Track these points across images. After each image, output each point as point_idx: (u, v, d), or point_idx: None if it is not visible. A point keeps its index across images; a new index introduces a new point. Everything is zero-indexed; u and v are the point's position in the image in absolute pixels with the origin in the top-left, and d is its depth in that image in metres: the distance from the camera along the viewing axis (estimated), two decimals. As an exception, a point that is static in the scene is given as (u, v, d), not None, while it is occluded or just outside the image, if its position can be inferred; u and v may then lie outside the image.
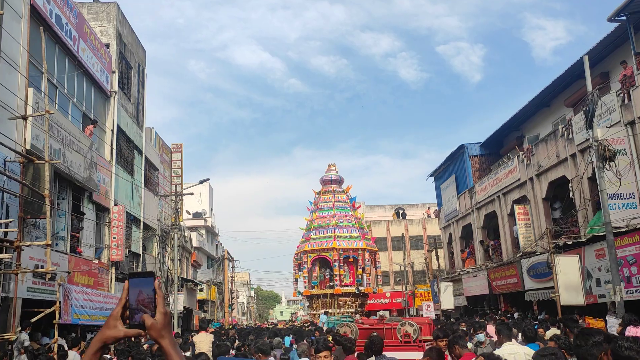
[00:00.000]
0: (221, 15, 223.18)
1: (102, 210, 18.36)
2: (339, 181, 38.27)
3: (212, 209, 64.32)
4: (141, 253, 21.56)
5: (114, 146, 19.15)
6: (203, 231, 53.70)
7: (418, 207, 57.02)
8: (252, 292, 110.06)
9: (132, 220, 21.19)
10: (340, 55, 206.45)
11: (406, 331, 9.69)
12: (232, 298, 52.19)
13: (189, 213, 54.99)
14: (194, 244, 47.09)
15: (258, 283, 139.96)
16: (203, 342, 7.02)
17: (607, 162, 11.26)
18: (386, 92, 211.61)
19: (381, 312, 13.14)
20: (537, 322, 15.47)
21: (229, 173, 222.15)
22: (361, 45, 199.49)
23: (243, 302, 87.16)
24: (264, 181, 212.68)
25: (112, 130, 19.24)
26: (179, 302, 21.70)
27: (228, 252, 42.28)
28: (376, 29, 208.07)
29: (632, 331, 7.07)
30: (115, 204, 18.83)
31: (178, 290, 23.23)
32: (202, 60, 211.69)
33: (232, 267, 52.46)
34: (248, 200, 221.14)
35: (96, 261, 17.23)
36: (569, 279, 14.06)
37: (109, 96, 19.24)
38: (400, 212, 54.60)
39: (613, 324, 10.72)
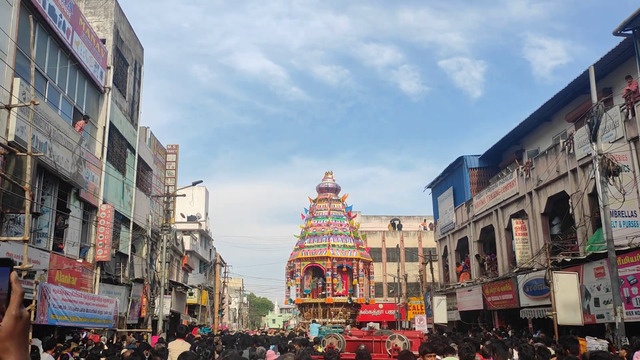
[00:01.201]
0: (226, 21, 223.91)
1: (89, 209, 17.88)
2: (336, 189, 37.78)
3: (207, 213, 63.76)
4: (129, 254, 21.03)
5: (106, 143, 18.71)
6: (197, 235, 53.11)
7: (414, 219, 56.56)
8: (244, 299, 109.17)
9: (121, 220, 20.70)
10: (342, 65, 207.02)
11: (396, 345, 9.22)
12: (223, 304, 51.48)
13: (183, 216, 54.43)
14: (187, 248, 46.51)
15: (252, 290, 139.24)
16: (177, 350, 6.55)
17: (611, 177, 10.83)
18: (387, 103, 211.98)
19: (371, 324, 12.63)
20: (532, 341, 14.99)
21: (228, 179, 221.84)
22: (364, 57, 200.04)
23: (235, 309, 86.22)
24: (263, 189, 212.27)
25: (105, 127, 18.80)
26: (165, 305, 21.14)
27: (220, 257, 41.71)
28: (380, 40, 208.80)
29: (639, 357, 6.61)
30: (104, 203, 18.35)
31: (166, 294, 22.68)
32: (206, 65, 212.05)
33: (225, 272, 51.87)
34: (245, 207, 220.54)
35: (80, 260, 16.73)
36: (567, 297, 13.59)
37: (102, 92, 18.83)
38: (396, 223, 54.15)
39: (592, 346, 10.32)
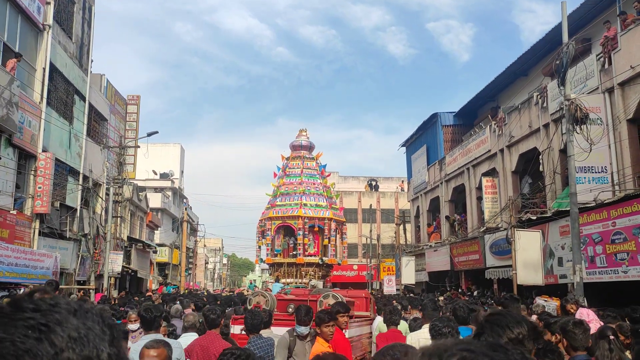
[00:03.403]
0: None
1: (26, 158, 16.51)
2: (310, 147, 36.33)
3: (182, 172, 62.39)
4: (78, 207, 19.80)
5: (45, 86, 17.19)
6: (169, 193, 51.87)
7: (392, 180, 55.79)
8: (224, 259, 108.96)
9: (68, 171, 19.37)
10: (329, 26, 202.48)
11: (328, 305, 8.30)
12: (191, 262, 50.73)
13: (155, 173, 53.01)
14: (158, 205, 45.33)
15: (234, 250, 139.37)
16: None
17: (579, 125, 9.82)
18: (374, 66, 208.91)
19: (313, 282, 11.76)
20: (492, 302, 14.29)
21: (212, 139, 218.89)
22: (351, 17, 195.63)
23: (211, 268, 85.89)
24: (247, 150, 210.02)
25: (44, 69, 17.24)
26: (117, 262, 20.10)
27: (188, 214, 40.65)
28: (367, 1, 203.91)
29: (583, 314, 5.71)
30: (44, 151, 16.98)
31: (118, 250, 21.58)
32: (189, 22, 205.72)
33: (197, 231, 50.96)
34: (229, 168, 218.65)
35: (14, 212, 15.49)
36: (528, 255, 12.80)
37: (41, 30, 17.18)
38: (373, 183, 53.34)
39: (539, 306, 9.61)
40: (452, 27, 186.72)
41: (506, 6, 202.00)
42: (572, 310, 6.71)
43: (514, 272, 13.00)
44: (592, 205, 12.30)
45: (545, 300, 9.80)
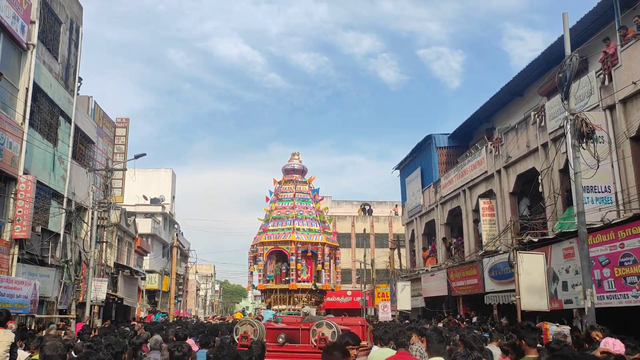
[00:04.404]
0: (204, 5, 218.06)
1: (5, 180, 15.82)
2: (302, 171, 35.87)
3: (173, 197, 61.58)
4: (61, 232, 19.01)
5: (28, 107, 16.60)
6: (160, 218, 50.98)
7: (386, 204, 55.26)
8: (216, 286, 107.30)
9: (51, 194, 18.66)
10: (321, 53, 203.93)
11: (322, 334, 7.61)
12: (181, 289, 49.59)
13: (146, 198, 52.18)
14: (148, 231, 44.37)
15: (226, 277, 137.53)
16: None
17: (585, 140, 9.33)
18: (366, 92, 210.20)
19: (305, 309, 11.05)
20: (493, 330, 13.59)
21: (204, 165, 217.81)
22: (343, 44, 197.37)
23: (203, 295, 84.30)
24: (239, 176, 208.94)
25: (27, 89, 16.68)
26: (101, 289, 19.22)
27: (179, 240, 39.78)
28: (359, 28, 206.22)
29: (609, 343, 5.10)
30: (25, 173, 16.30)
31: (102, 277, 20.72)
32: (182, 49, 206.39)
33: (189, 257, 49.95)
34: (221, 194, 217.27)
35: (-9, 237, 14.74)
36: (532, 280, 12.17)
37: (25, 49, 16.68)
38: (367, 208, 52.73)
39: (552, 332, 9.01)
40: (442, 53, 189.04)
41: (495, 34, 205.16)
42: (597, 338, 6.10)
43: (517, 297, 12.35)
44: (598, 226, 11.74)
45: (558, 326, 9.16)
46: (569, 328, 12.08)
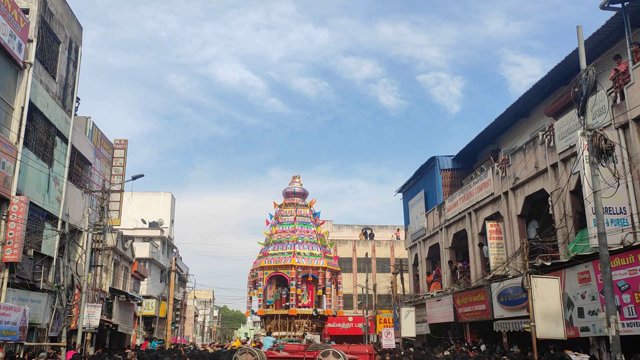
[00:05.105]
0: (205, 31, 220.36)
1: (-3, 200, 15.29)
2: (303, 194, 35.30)
3: (172, 221, 60.87)
4: (55, 256, 18.37)
5: (23, 127, 16.17)
6: (158, 242, 50.21)
7: (387, 229, 54.57)
8: (215, 312, 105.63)
9: (45, 216, 18.10)
10: (321, 78, 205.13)
11: (328, 365, 7.03)
12: (178, 315, 48.54)
13: (144, 222, 51.49)
14: (146, 255, 43.57)
15: (225, 303, 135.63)
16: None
17: (604, 157, 8.85)
18: (366, 117, 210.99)
19: (309, 336, 10.41)
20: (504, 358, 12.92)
21: (204, 189, 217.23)
22: (343, 69, 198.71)
23: (201, 321, 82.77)
24: (239, 200, 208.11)
25: (23, 108, 16.28)
26: (94, 315, 18.49)
27: (177, 264, 38.99)
28: (359, 54, 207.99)
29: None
30: (18, 194, 15.78)
31: (96, 302, 19.99)
32: (183, 74, 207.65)
33: (187, 281, 49.05)
34: (221, 218, 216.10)
35: (-20, 260, 14.13)
36: (547, 306, 11.54)
37: (21, 68, 16.34)
38: (368, 232, 52.01)
39: None
40: (442, 79, 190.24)
41: (493, 60, 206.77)
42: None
43: (532, 324, 11.69)
44: (616, 248, 11.17)
45: (577, 354, 8.53)
46: (588, 357, 11.41)
